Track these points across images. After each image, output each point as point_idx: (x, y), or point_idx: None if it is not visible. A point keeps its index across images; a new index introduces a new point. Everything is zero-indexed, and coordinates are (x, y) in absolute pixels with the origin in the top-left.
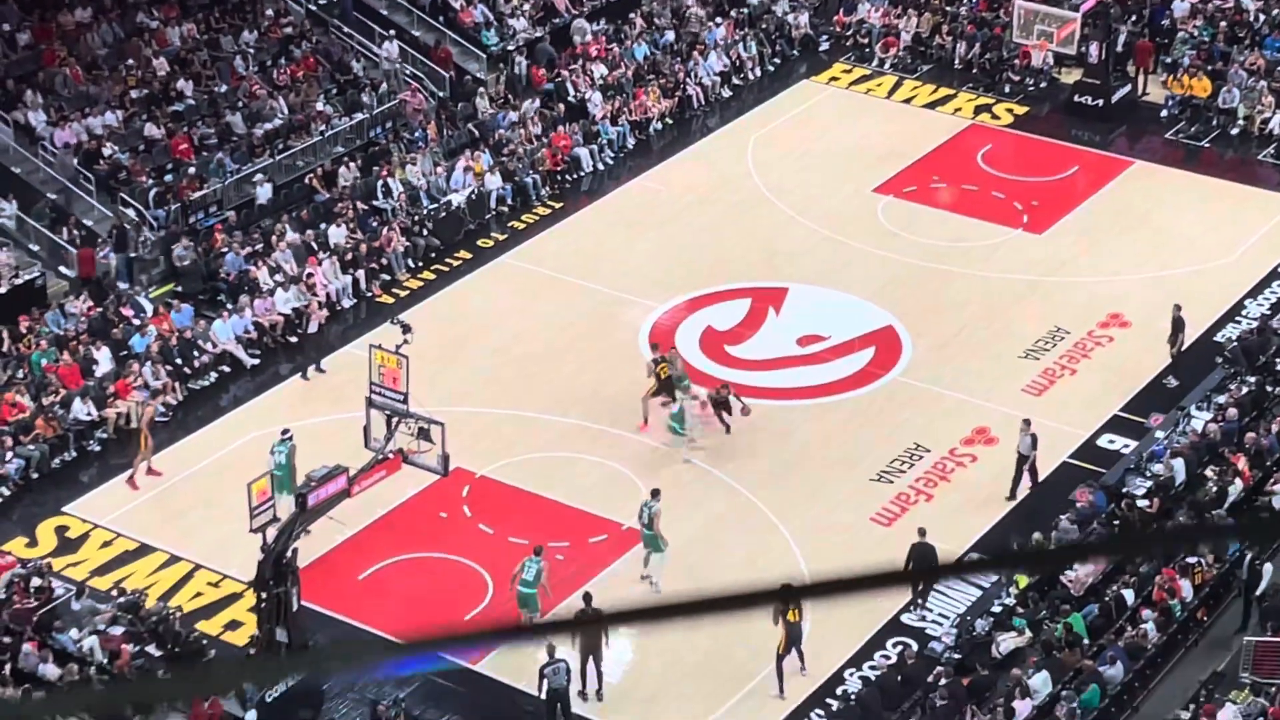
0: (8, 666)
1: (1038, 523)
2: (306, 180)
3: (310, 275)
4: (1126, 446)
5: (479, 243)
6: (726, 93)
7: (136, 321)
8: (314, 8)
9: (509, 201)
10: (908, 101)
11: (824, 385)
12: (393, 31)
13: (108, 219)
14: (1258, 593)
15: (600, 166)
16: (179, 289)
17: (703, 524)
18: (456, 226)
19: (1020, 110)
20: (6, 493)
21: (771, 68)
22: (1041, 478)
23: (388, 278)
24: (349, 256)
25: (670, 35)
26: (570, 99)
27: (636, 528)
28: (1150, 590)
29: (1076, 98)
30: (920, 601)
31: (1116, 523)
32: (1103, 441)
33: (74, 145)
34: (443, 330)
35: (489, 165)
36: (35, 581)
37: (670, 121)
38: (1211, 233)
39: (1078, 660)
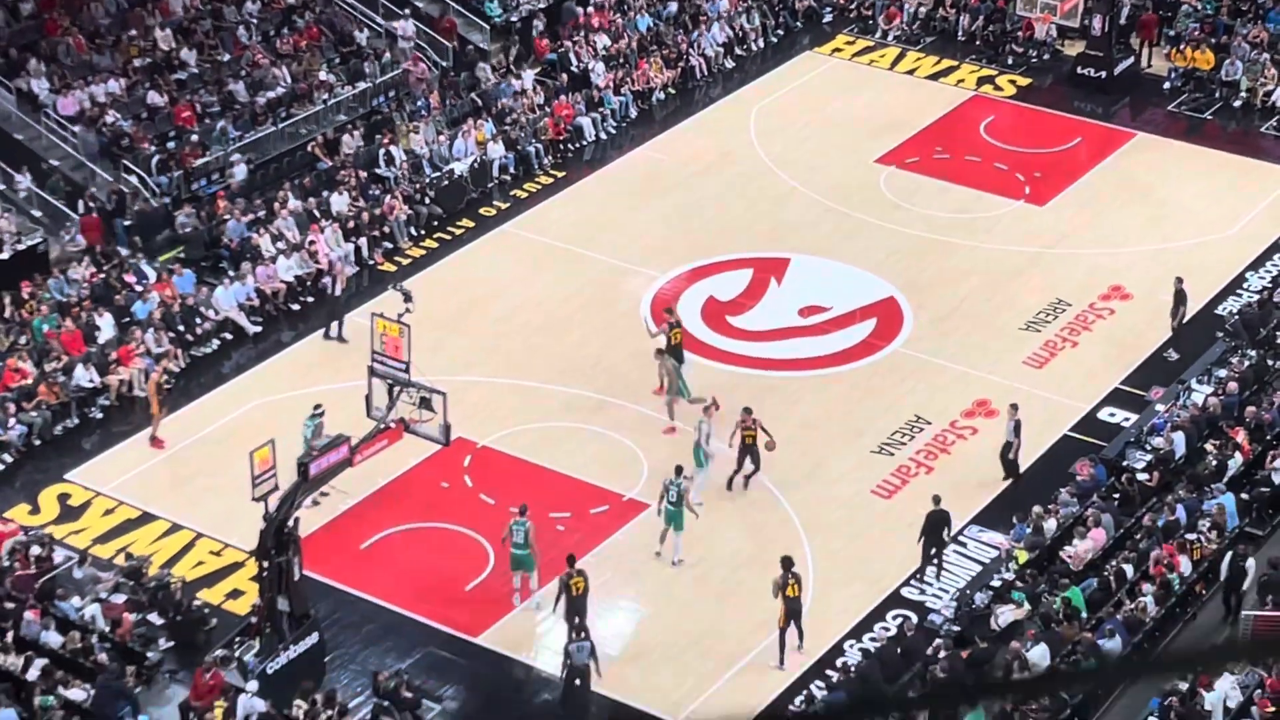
0: (10, 634)
1: (1038, 496)
2: (309, 148)
3: (313, 243)
4: (1127, 420)
5: (481, 211)
6: (729, 64)
7: (139, 288)
8: None
9: (511, 170)
10: (910, 73)
11: (825, 356)
12: (408, 10)
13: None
14: (1244, 587)
15: (603, 136)
16: (182, 254)
17: (704, 497)
18: (459, 195)
19: (1023, 82)
20: (9, 459)
21: (775, 39)
22: (1043, 450)
23: (390, 245)
24: (351, 224)
25: (674, 6)
26: (573, 69)
27: (638, 499)
28: (1148, 566)
29: (1079, 70)
30: (937, 561)
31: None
32: (1103, 414)
33: (77, 113)
34: (445, 299)
35: (491, 134)
36: (35, 550)
37: (673, 91)
38: (1213, 205)
39: (1076, 633)
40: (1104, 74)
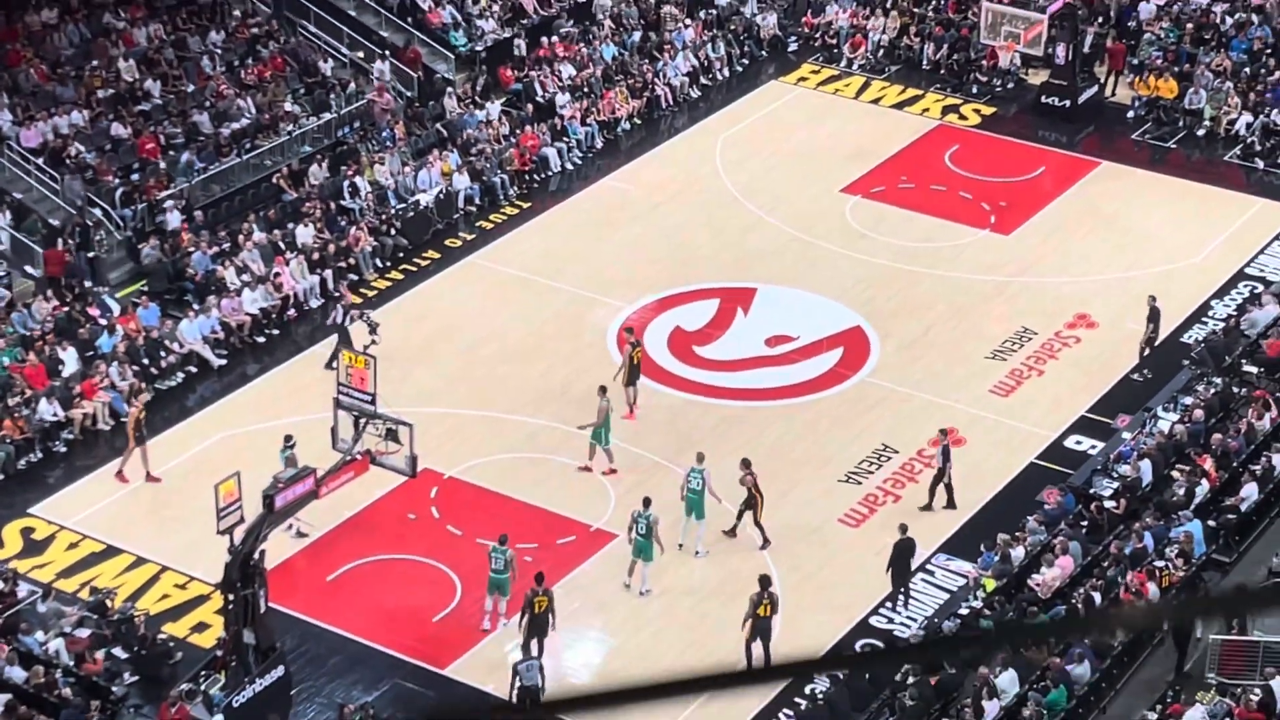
0: None
1: (1006, 524)
2: (274, 179)
3: (278, 275)
4: (1094, 447)
5: (447, 242)
6: (695, 93)
7: (103, 321)
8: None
9: (477, 201)
10: (875, 102)
11: (792, 386)
12: (387, 52)
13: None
14: (1196, 637)
15: (568, 166)
16: (145, 289)
17: (671, 526)
18: (424, 226)
19: (988, 111)
20: None
21: (740, 68)
22: (1010, 478)
23: (355, 277)
24: (316, 256)
25: (638, 36)
26: (539, 99)
27: (606, 530)
28: (1117, 593)
29: (1043, 98)
30: (904, 596)
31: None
32: (1070, 442)
33: (40, 145)
34: (411, 330)
35: (457, 165)
36: None
37: (639, 121)
38: (1178, 233)
39: (1045, 659)
40: (1068, 103)
